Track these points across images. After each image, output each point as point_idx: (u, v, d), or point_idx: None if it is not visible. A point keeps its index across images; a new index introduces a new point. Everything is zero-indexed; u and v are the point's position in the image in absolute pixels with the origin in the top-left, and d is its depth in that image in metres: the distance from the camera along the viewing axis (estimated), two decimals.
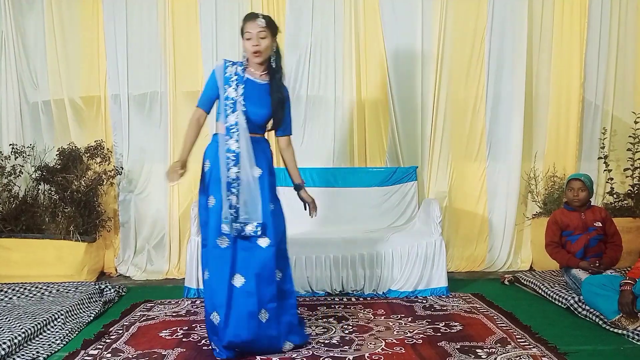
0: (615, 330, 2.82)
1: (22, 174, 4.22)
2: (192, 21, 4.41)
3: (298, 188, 2.84)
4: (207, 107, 2.69)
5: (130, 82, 4.43)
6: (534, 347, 2.58)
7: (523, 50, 4.44)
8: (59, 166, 4.21)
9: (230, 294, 2.47)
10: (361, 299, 3.56)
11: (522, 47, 4.44)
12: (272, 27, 2.63)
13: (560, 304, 3.31)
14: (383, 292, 3.65)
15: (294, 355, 2.52)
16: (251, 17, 2.63)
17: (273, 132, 2.80)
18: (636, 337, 2.71)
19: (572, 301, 3.20)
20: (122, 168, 4.41)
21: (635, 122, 4.35)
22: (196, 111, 2.70)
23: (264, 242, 2.51)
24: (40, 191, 4.25)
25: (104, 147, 4.33)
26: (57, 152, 4.24)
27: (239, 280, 2.49)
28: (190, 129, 2.68)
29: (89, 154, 4.28)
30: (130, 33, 4.40)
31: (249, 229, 2.48)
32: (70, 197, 4.09)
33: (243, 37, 2.63)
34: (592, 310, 3.04)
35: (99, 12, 4.40)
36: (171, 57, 4.40)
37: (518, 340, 2.68)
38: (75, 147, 4.28)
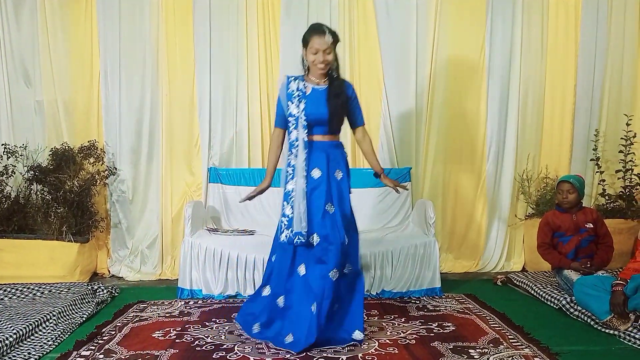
0: (607, 331, 2.84)
1: (14, 174, 4.19)
2: (185, 24, 4.39)
3: (377, 176, 2.93)
4: (281, 124, 2.81)
5: (123, 82, 4.40)
6: (526, 348, 2.59)
7: (517, 52, 4.46)
8: (52, 166, 4.18)
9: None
10: None
11: (516, 49, 4.46)
12: (336, 42, 2.71)
13: (552, 304, 3.33)
14: (376, 293, 3.65)
15: (287, 356, 2.52)
16: (318, 31, 2.66)
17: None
18: (627, 337, 2.73)
19: (564, 302, 3.22)
20: (116, 169, 4.40)
21: (627, 124, 4.38)
22: (273, 131, 2.86)
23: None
24: (32, 191, 4.22)
25: (97, 147, 4.31)
26: (50, 152, 4.22)
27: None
28: (269, 151, 2.85)
29: (82, 154, 4.26)
30: (123, 33, 4.37)
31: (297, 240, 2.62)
32: (63, 197, 4.06)
33: (306, 47, 2.70)
34: (584, 310, 3.06)
35: (93, 11, 4.38)
36: (164, 58, 4.39)
37: (510, 340, 2.70)
38: (69, 147, 4.26)
